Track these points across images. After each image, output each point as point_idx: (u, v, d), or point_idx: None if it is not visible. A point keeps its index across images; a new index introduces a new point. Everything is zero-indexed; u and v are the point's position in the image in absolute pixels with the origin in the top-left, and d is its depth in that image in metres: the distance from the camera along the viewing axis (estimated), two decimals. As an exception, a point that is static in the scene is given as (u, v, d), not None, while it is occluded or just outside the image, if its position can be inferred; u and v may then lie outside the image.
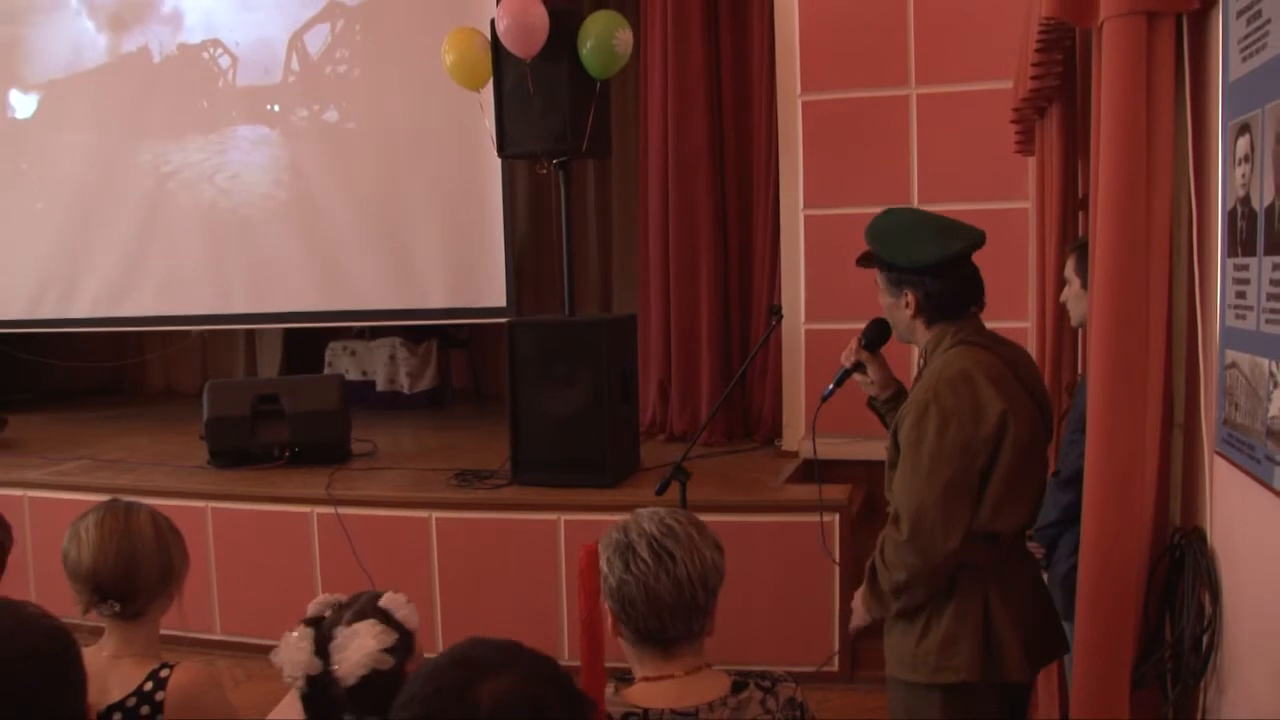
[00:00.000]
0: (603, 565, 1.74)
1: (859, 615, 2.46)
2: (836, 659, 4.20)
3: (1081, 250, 2.67)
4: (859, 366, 2.61)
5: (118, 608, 1.95)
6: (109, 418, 7.14)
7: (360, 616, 1.69)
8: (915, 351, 2.68)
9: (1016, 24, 3.50)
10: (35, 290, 6.98)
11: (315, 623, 1.71)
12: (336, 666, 1.63)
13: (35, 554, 4.47)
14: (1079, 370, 3.13)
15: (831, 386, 2.69)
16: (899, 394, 2.61)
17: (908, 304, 2.37)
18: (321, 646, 1.65)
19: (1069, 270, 2.85)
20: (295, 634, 1.67)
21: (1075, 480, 2.28)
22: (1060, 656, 2.58)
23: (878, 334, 2.58)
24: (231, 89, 6.60)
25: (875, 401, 2.66)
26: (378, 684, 1.61)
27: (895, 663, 2.39)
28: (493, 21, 4.54)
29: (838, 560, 4.12)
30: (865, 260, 2.45)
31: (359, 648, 1.64)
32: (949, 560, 2.24)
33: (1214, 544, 1.89)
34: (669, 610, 1.70)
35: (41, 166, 6.97)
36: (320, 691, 1.65)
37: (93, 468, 5.40)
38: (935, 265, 2.33)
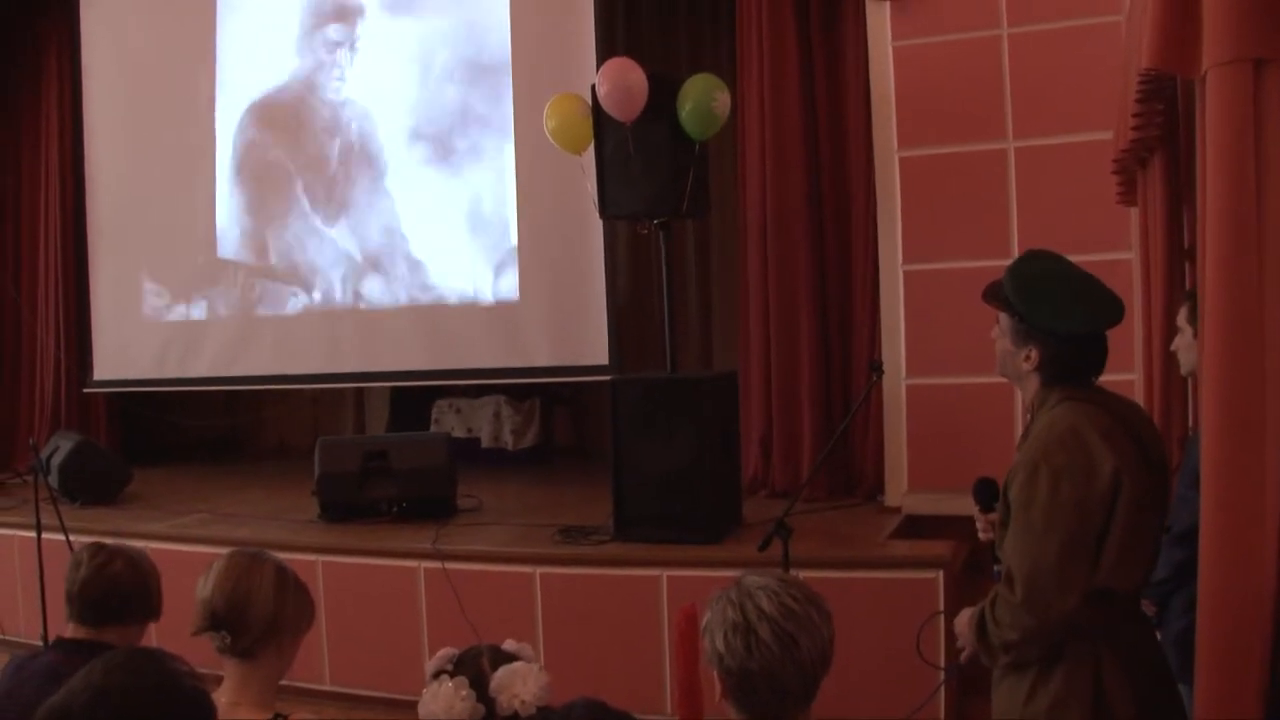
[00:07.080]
0: (718, 644, 1.71)
1: (966, 641, 2.37)
2: (942, 715, 4.11)
3: (1195, 298, 2.62)
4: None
5: (228, 640, 2.07)
6: (225, 473, 7.40)
7: (499, 658, 1.67)
8: (1017, 405, 2.63)
9: (1114, 74, 3.47)
10: (159, 351, 7.32)
11: (457, 672, 1.66)
12: (508, 704, 1.59)
13: (158, 605, 4.65)
14: (1190, 422, 3.05)
15: (997, 569, 2.44)
16: None
17: (1029, 358, 2.32)
18: (480, 693, 1.61)
19: (1181, 319, 2.79)
20: (448, 684, 1.62)
21: (1189, 536, 2.23)
22: None
23: (990, 494, 2.47)
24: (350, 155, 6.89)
25: None
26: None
27: (1003, 721, 2.34)
28: (593, 87, 4.67)
29: (942, 610, 4.02)
30: (993, 298, 2.38)
31: (527, 682, 1.62)
32: (1065, 620, 2.19)
33: (1341, 602, 1.83)
34: (793, 696, 1.70)
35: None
36: None
37: (210, 521, 5.59)
38: (1074, 335, 2.27)
